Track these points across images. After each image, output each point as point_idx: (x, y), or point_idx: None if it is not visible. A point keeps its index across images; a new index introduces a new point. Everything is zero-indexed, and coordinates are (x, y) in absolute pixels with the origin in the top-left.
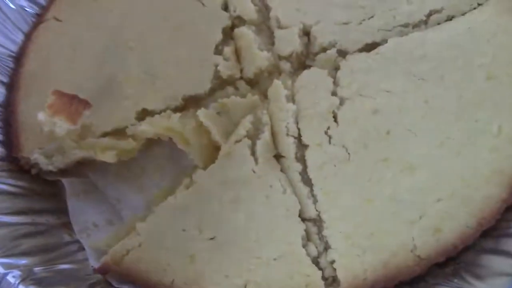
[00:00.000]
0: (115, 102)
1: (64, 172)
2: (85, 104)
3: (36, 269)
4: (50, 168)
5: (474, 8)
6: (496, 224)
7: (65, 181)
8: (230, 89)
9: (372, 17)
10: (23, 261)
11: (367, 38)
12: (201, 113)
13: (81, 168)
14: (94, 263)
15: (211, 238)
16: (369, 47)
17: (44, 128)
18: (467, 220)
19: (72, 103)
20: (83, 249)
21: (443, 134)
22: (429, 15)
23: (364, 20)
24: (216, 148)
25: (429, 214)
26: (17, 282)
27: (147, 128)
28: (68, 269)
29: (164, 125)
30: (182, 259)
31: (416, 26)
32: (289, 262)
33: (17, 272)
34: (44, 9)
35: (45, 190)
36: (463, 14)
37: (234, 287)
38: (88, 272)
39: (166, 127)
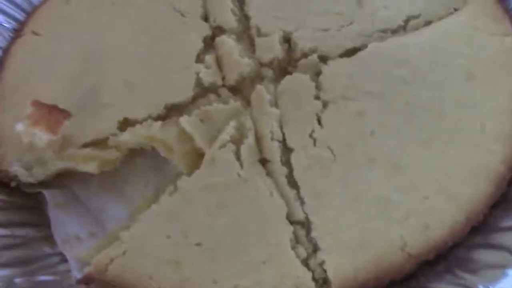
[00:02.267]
0: (95, 112)
1: (44, 184)
2: (65, 114)
3: (17, 280)
4: (30, 180)
5: (451, 13)
6: (485, 219)
7: (46, 192)
8: (212, 96)
9: (351, 23)
10: (3, 272)
11: (347, 43)
12: (184, 120)
13: (62, 179)
14: (77, 274)
15: (197, 244)
16: (350, 53)
17: (24, 139)
18: (456, 216)
19: (52, 113)
20: (65, 261)
21: (427, 134)
22: (407, 20)
23: (343, 26)
24: (200, 155)
25: (417, 211)
26: None
27: (128, 138)
28: (50, 280)
29: (145, 134)
30: (167, 266)
31: (395, 31)
32: (278, 264)
33: None
34: (22, 23)
35: (26, 203)
36: (440, 19)
37: None
38: (71, 283)
39: (148, 136)
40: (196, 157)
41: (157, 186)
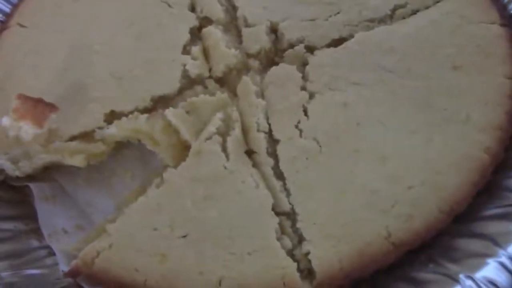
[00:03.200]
0: (82, 105)
1: (31, 177)
2: (51, 107)
3: (4, 274)
4: (17, 173)
5: (438, 2)
6: (468, 208)
7: (32, 185)
8: (199, 88)
9: (338, 13)
10: None
11: (334, 33)
12: (169, 112)
13: (49, 172)
14: (64, 267)
15: (183, 236)
16: (337, 42)
17: (9, 133)
18: (439, 205)
19: (38, 107)
20: (53, 254)
21: (413, 124)
22: (394, 9)
23: (330, 16)
24: (186, 147)
25: (402, 201)
26: None
27: (115, 131)
28: (37, 274)
29: (131, 127)
30: (154, 258)
31: (381, 21)
32: (263, 256)
33: None
34: (8, 16)
35: (13, 197)
36: (427, 8)
37: (208, 284)
38: (58, 276)
39: (134, 129)
40: (182, 150)
41: (144, 178)
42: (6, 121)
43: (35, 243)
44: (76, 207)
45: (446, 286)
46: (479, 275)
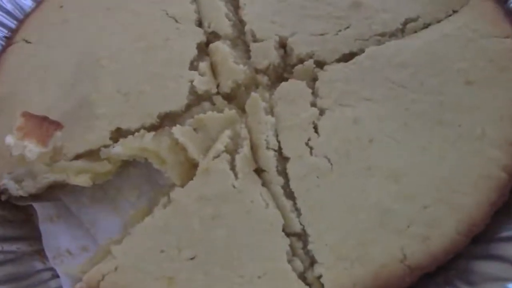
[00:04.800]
0: (88, 122)
1: (35, 196)
2: (56, 125)
3: None
4: (21, 193)
5: (450, 15)
6: (486, 229)
7: (36, 205)
8: (206, 104)
9: (348, 27)
10: None
11: (344, 48)
12: (176, 130)
13: (53, 192)
14: None
15: (191, 258)
16: (347, 57)
17: (13, 152)
18: (457, 226)
19: (43, 125)
20: (57, 276)
21: (426, 140)
22: (405, 23)
23: (340, 30)
24: (194, 166)
25: (417, 221)
26: None
27: (121, 150)
28: None
29: (138, 146)
30: (161, 282)
31: (392, 35)
32: (274, 279)
33: None
34: (14, 31)
35: (16, 217)
36: (438, 22)
37: None
38: None
39: (140, 147)
40: (190, 168)
41: (151, 197)
42: (10, 139)
43: (39, 265)
44: (81, 227)
45: None
46: None
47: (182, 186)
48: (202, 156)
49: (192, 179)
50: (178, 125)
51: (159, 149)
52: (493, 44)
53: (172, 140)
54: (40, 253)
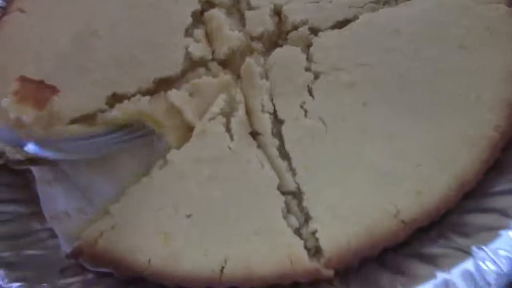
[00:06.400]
0: (84, 88)
1: (32, 160)
2: (53, 89)
3: (4, 254)
4: (18, 156)
5: None
6: (478, 185)
7: (34, 169)
8: (202, 70)
9: None
10: None
11: (338, 15)
12: (172, 94)
13: None
14: (66, 249)
15: (188, 216)
16: (341, 24)
17: (10, 115)
18: (449, 182)
19: (39, 89)
20: (55, 236)
21: (421, 104)
22: None
23: None
24: (190, 129)
25: (410, 179)
26: None
27: (117, 114)
28: (38, 254)
29: (134, 110)
30: (158, 238)
31: (387, 2)
32: (269, 234)
33: None
34: (9, 1)
35: (14, 181)
36: None
37: (213, 263)
38: (60, 257)
39: (137, 111)
40: (186, 131)
41: (147, 162)
42: (6, 103)
43: (36, 225)
44: (78, 190)
45: (458, 259)
46: (492, 246)
47: (179, 148)
48: (198, 120)
49: (188, 141)
50: (173, 89)
51: (156, 113)
52: (487, 10)
53: (168, 104)
54: (38, 215)
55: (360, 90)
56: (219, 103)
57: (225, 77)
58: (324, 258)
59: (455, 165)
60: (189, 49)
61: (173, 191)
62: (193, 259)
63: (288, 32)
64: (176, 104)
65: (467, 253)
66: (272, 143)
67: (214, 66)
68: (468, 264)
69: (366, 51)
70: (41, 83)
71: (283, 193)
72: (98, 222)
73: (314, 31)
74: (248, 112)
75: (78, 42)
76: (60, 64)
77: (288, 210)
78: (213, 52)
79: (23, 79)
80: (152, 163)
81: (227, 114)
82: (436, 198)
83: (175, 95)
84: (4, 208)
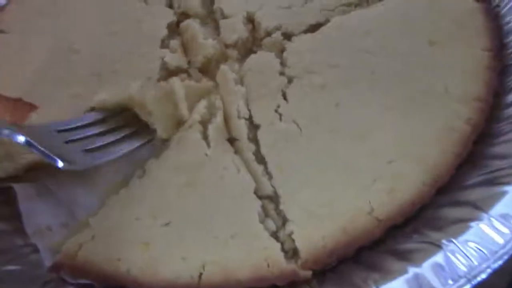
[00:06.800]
0: (63, 102)
1: (14, 177)
2: (31, 106)
3: None
4: (0, 174)
5: None
6: (451, 179)
7: (16, 186)
8: (183, 76)
9: None
10: None
11: (310, 19)
12: (175, 81)
13: (33, 172)
14: (48, 263)
15: (166, 224)
16: (313, 28)
17: None
18: (422, 178)
19: (17, 106)
20: (37, 251)
21: (391, 100)
22: None
23: (306, 2)
24: (180, 122)
25: (383, 176)
26: None
27: (106, 97)
28: (20, 270)
29: (124, 95)
30: (136, 247)
31: (358, 4)
32: (246, 238)
33: None
34: None
35: None
36: None
37: (191, 269)
38: (43, 272)
39: (127, 96)
40: (176, 123)
41: (127, 173)
42: None
43: (19, 241)
44: (61, 205)
45: (429, 253)
46: (462, 238)
47: (157, 157)
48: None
49: (176, 132)
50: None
51: (145, 100)
52: (455, 4)
53: (161, 92)
54: (20, 232)
55: (332, 91)
56: (200, 110)
57: (208, 83)
58: (301, 260)
59: (428, 160)
60: (165, 59)
61: (151, 200)
62: (172, 267)
63: (262, 39)
64: (177, 92)
65: (438, 246)
66: (248, 148)
67: (195, 73)
68: (438, 257)
69: (338, 53)
70: (18, 100)
71: (260, 197)
72: (78, 234)
73: (287, 36)
74: (226, 119)
75: (56, 56)
76: (39, 79)
77: (265, 214)
78: (189, 62)
79: (1, 97)
80: (131, 174)
81: (206, 121)
82: (410, 194)
83: (177, 83)
84: None
